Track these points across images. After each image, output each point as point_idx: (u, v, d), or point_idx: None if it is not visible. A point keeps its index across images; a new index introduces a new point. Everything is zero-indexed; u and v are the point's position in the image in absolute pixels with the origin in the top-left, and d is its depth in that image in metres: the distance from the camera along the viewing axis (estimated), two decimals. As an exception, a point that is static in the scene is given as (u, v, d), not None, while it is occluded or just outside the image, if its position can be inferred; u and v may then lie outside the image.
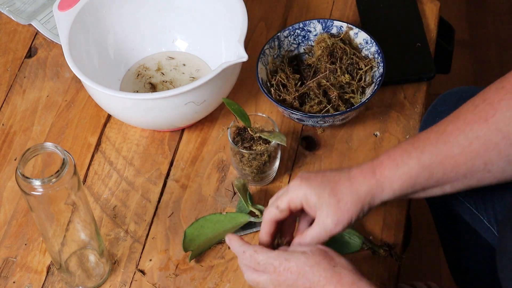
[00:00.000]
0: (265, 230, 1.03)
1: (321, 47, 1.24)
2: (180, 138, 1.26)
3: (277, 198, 1.02)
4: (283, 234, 1.06)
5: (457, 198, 1.16)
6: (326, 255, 0.95)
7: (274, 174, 1.19)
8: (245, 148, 1.15)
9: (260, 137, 1.14)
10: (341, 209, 0.98)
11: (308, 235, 1.00)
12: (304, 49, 1.28)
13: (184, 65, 1.33)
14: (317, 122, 1.20)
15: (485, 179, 0.98)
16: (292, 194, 1.00)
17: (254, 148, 1.14)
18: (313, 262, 0.94)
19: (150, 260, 1.13)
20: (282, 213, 1.01)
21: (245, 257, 0.99)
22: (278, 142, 1.13)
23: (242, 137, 1.15)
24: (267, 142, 1.15)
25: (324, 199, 0.98)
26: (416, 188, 0.99)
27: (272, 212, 1.01)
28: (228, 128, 1.15)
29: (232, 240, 1.01)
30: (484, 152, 0.95)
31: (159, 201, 1.19)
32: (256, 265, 0.98)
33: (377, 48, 1.23)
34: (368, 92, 1.21)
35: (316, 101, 1.20)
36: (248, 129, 1.15)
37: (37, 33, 1.39)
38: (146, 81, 1.31)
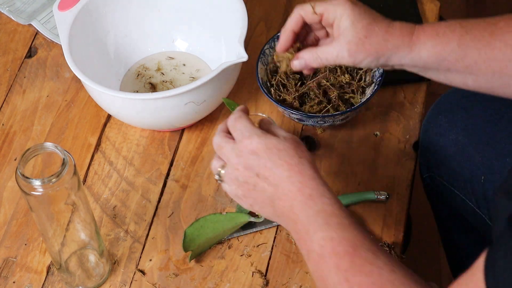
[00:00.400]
0: (290, 24, 1.03)
1: (321, 47, 1.24)
2: (180, 138, 1.26)
3: (315, 3, 1.01)
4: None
5: (459, 196, 1.17)
6: (298, 145, 0.94)
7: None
8: None
9: None
10: (364, 45, 0.98)
11: (319, 50, 1.01)
12: (304, 49, 1.28)
13: (184, 65, 1.33)
14: (317, 122, 1.20)
15: (510, 86, 0.96)
16: (334, 6, 1.00)
17: None
18: (283, 146, 0.93)
19: (150, 260, 1.13)
20: (313, 16, 1.01)
21: (228, 120, 0.98)
22: None
23: None
24: None
25: (355, 28, 0.98)
26: (442, 65, 0.98)
27: (306, 9, 1.01)
28: None
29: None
30: None
31: (159, 201, 1.19)
32: (231, 129, 0.97)
33: (377, 48, 1.23)
34: (368, 92, 1.21)
35: (316, 101, 1.20)
36: None
37: (37, 33, 1.39)
38: (146, 81, 1.31)
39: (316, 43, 1.09)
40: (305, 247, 0.90)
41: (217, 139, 0.97)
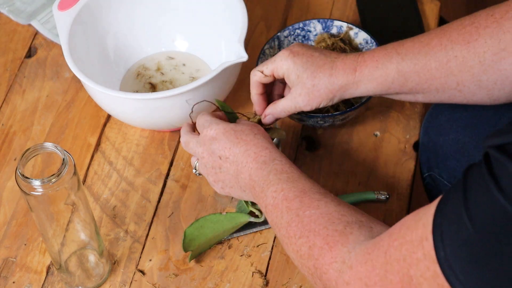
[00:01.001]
0: (254, 91, 1.13)
1: (321, 47, 1.24)
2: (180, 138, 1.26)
3: (264, 64, 1.10)
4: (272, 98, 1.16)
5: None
6: (253, 126, 1.05)
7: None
8: None
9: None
10: (314, 93, 1.07)
11: (279, 105, 1.10)
12: (304, 49, 1.28)
13: (184, 65, 1.33)
14: (317, 122, 1.20)
15: (456, 97, 1.04)
16: (278, 64, 1.09)
17: None
18: (240, 128, 1.04)
19: (150, 260, 1.13)
20: (266, 78, 1.10)
21: (197, 119, 1.08)
22: (278, 138, 1.12)
23: None
24: None
25: (302, 80, 1.07)
26: (390, 91, 1.06)
27: (257, 75, 1.11)
28: None
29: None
30: (458, 72, 1.01)
31: (159, 201, 1.19)
32: (196, 126, 1.08)
33: (377, 48, 1.23)
34: (368, 92, 1.21)
35: (316, 101, 1.20)
36: None
37: (36, 33, 1.39)
38: (146, 81, 1.31)
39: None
40: (263, 204, 0.99)
41: (183, 138, 1.09)
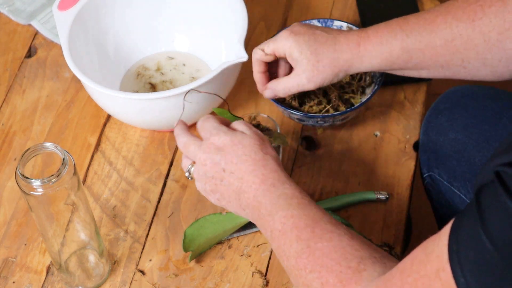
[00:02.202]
0: (255, 69, 1.12)
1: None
2: (180, 138, 1.26)
3: (266, 42, 1.09)
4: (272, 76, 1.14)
5: (459, 195, 1.17)
6: (262, 141, 1.00)
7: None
8: None
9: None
10: (318, 69, 1.06)
11: (281, 82, 1.09)
12: (304, 49, 1.28)
13: (183, 65, 1.33)
14: (317, 122, 1.20)
15: (460, 73, 1.04)
16: (279, 43, 1.08)
17: None
18: (248, 142, 0.98)
19: (150, 260, 1.13)
20: (267, 56, 1.10)
21: (198, 122, 1.04)
22: (280, 144, 1.12)
23: None
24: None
25: (305, 56, 1.06)
26: (394, 67, 1.06)
27: (258, 53, 1.10)
28: None
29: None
30: (463, 50, 1.01)
31: (159, 201, 1.19)
32: (199, 129, 1.03)
33: (377, 48, 1.23)
34: (368, 92, 1.21)
35: (316, 101, 1.20)
36: None
37: (36, 33, 1.39)
38: (146, 81, 1.31)
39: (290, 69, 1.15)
40: (268, 228, 0.94)
41: (183, 139, 1.03)
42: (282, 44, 1.08)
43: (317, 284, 0.87)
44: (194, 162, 1.02)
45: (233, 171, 0.98)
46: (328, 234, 0.89)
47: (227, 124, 1.04)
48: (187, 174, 1.03)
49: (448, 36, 1.01)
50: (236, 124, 1.03)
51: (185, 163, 1.03)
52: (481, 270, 0.71)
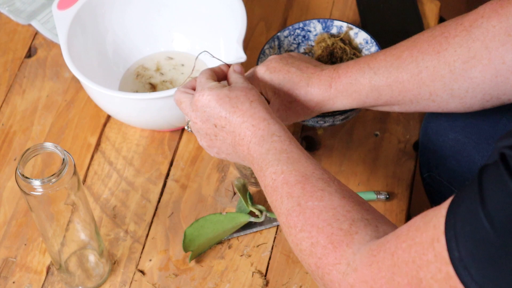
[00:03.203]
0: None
1: (321, 47, 1.24)
2: (180, 138, 1.26)
3: (243, 74, 1.07)
4: None
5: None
6: (248, 90, 1.00)
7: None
8: None
9: None
10: (291, 110, 1.08)
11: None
12: (304, 49, 1.28)
13: (182, 65, 1.33)
14: (317, 122, 1.20)
15: (430, 107, 1.05)
16: (254, 80, 1.08)
17: None
18: (234, 95, 0.99)
19: (150, 260, 1.13)
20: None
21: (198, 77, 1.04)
22: None
23: None
24: None
25: (279, 97, 1.07)
26: (365, 105, 1.08)
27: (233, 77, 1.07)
28: None
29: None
30: (430, 82, 1.02)
31: (159, 201, 1.19)
32: (192, 84, 1.04)
33: (377, 48, 1.23)
34: (368, 92, 1.21)
35: (316, 101, 1.20)
36: None
37: (36, 33, 1.39)
38: (146, 81, 1.31)
39: None
40: (262, 183, 0.95)
41: (177, 95, 1.04)
42: (258, 81, 1.09)
43: (307, 243, 0.87)
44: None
45: (224, 125, 0.99)
46: (319, 192, 0.89)
47: (222, 74, 1.06)
48: (186, 127, 1.06)
49: (414, 70, 1.03)
50: (231, 74, 1.04)
51: (185, 118, 1.06)
52: (476, 246, 0.71)
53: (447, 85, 1.02)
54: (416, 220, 0.79)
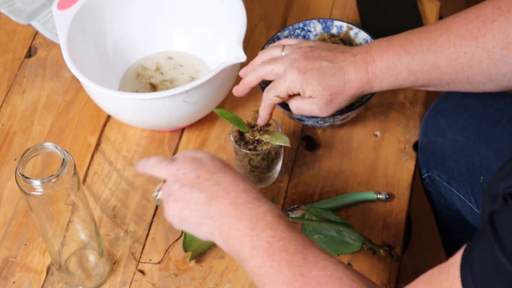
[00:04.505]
0: (265, 112, 1.12)
1: (321, 47, 1.24)
2: (180, 138, 1.26)
3: (274, 86, 1.09)
4: None
5: (458, 196, 1.17)
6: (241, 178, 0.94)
7: (277, 175, 1.19)
8: (249, 150, 1.14)
9: (262, 135, 1.14)
10: (332, 102, 1.07)
11: (295, 104, 1.10)
12: (304, 49, 1.28)
13: (181, 66, 1.32)
14: (317, 122, 1.20)
15: (467, 88, 1.05)
16: (290, 84, 1.07)
17: (259, 148, 1.14)
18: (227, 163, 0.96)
19: (150, 260, 1.13)
20: (282, 98, 1.10)
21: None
22: (282, 145, 1.12)
23: (244, 140, 1.15)
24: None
25: (319, 93, 1.07)
26: (402, 87, 1.08)
27: (273, 99, 1.10)
28: (229, 134, 1.14)
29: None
30: (468, 67, 1.02)
31: (159, 201, 1.19)
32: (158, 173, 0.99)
33: (377, 48, 1.23)
34: (368, 92, 1.21)
35: (316, 101, 1.20)
36: (247, 134, 1.14)
37: (36, 33, 1.39)
38: (146, 81, 1.31)
39: None
40: (249, 244, 0.88)
41: (154, 158, 1.00)
42: (293, 84, 1.07)
43: None
44: (163, 183, 0.98)
45: (209, 179, 0.93)
46: (322, 262, 0.85)
47: None
48: (156, 196, 1.00)
49: (452, 55, 1.02)
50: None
51: (155, 193, 1.00)
52: None
53: (485, 70, 1.01)
54: (424, 280, 0.77)
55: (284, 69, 1.08)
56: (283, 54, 1.10)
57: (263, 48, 1.23)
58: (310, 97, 1.08)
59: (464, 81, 1.03)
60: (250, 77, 1.12)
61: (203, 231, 0.93)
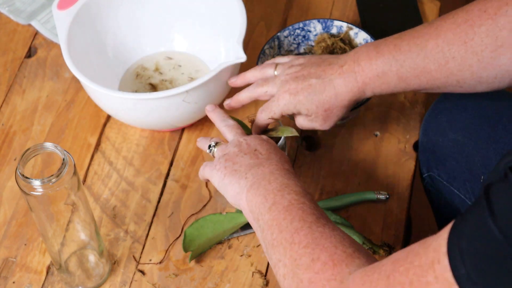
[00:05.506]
0: (259, 131, 1.14)
1: (321, 47, 1.24)
2: (180, 138, 1.26)
3: (268, 108, 1.10)
4: None
5: (459, 196, 1.17)
6: (261, 142, 1.04)
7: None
8: None
9: (267, 134, 1.14)
10: (328, 116, 1.09)
11: (297, 120, 1.11)
12: (304, 49, 1.28)
13: (180, 66, 1.32)
14: (317, 122, 1.20)
15: (458, 91, 1.06)
16: (284, 107, 1.09)
17: None
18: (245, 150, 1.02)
19: (150, 260, 1.13)
20: (275, 119, 1.12)
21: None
22: (290, 135, 1.12)
23: None
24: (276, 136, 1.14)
25: (313, 111, 1.08)
26: (394, 92, 1.08)
27: (268, 120, 1.11)
28: None
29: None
30: (458, 71, 1.02)
31: (159, 201, 1.19)
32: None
33: (377, 48, 1.23)
34: (368, 92, 1.21)
35: (316, 101, 1.20)
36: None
37: (36, 33, 1.39)
38: (146, 81, 1.31)
39: None
40: (271, 201, 0.95)
41: (228, 122, 1.09)
42: (287, 107, 1.09)
43: (307, 258, 0.87)
44: (217, 144, 1.06)
45: (264, 154, 1.01)
46: (331, 225, 0.91)
47: None
48: (211, 147, 1.07)
49: (441, 60, 1.02)
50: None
51: (206, 143, 1.08)
52: (486, 260, 0.70)
53: (475, 73, 1.01)
54: (415, 246, 0.78)
55: (277, 91, 1.10)
56: (275, 73, 1.11)
57: (263, 48, 1.23)
58: (307, 115, 1.09)
59: (454, 85, 1.04)
60: (244, 96, 1.14)
61: (232, 189, 1.00)
